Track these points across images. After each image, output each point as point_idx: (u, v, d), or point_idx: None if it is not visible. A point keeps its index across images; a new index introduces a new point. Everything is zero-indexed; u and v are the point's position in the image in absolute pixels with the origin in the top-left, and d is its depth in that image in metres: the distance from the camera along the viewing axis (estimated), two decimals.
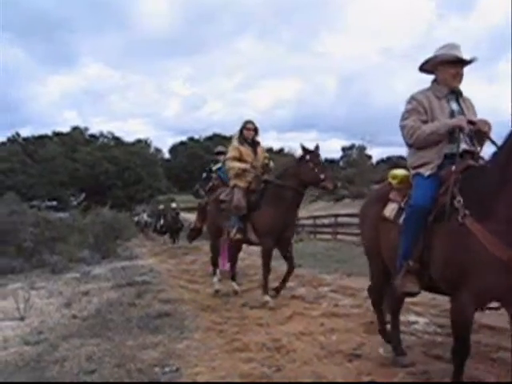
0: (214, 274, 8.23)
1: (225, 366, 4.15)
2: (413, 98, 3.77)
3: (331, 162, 77.92)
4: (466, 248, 3.11)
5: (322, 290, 7.52)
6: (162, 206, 28.14)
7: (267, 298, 6.61)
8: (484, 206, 3.12)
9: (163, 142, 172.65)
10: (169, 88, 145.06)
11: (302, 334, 5.05)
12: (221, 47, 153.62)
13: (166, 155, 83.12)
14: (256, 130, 7.37)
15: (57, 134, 72.67)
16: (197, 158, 67.27)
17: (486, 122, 3.58)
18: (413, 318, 5.50)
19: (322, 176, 6.47)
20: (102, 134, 74.53)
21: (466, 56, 3.68)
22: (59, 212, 23.75)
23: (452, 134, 3.53)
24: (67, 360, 4.46)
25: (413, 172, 3.76)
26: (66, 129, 75.15)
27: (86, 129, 76.01)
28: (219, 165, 9.54)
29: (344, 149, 79.34)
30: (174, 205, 25.73)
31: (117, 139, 72.62)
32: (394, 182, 4.00)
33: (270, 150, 70.46)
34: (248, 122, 7.36)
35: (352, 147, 71.15)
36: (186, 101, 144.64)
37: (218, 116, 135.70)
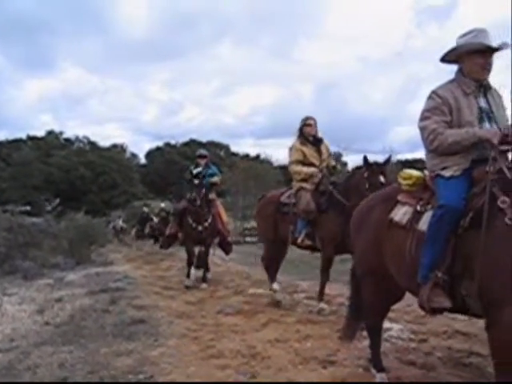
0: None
1: (199, 373, 4.13)
2: (436, 94, 3.31)
3: None
4: None
5: (297, 296, 7.54)
6: (146, 209, 27.71)
7: (323, 305, 6.35)
8: None
9: (140, 147, 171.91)
10: (146, 93, 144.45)
11: (278, 340, 5.06)
12: (199, 53, 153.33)
13: (143, 160, 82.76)
14: (316, 126, 6.87)
15: (31, 138, 71.86)
16: (173, 164, 66.95)
17: None
18: (387, 324, 5.51)
19: None
20: (77, 139, 73.92)
21: (494, 43, 3.21)
22: (33, 217, 23.38)
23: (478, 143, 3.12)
24: (39, 367, 4.39)
25: (433, 174, 3.36)
26: (41, 133, 74.46)
27: (62, 133, 75.30)
28: (200, 169, 9.33)
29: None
30: (162, 204, 25.12)
31: (92, 144, 72.04)
32: (406, 182, 3.55)
33: (246, 156, 70.77)
34: (308, 117, 6.86)
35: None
36: (164, 106, 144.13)
37: (196, 122, 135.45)
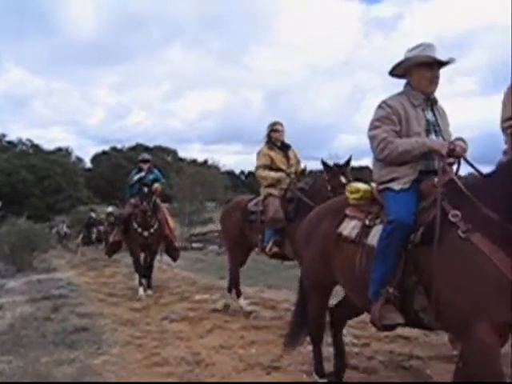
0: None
1: (143, 382, 4.09)
2: (386, 104, 3.32)
3: (254, 174, 78.68)
4: (479, 269, 2.57)
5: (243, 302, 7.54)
6: (93, 214, 26.98)
7: None
8: (488, 221, 2.64)
9: (86, 151, 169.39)
10: (93, 96, 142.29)
11: (222, 347, 5.07)
12: (148, 56, 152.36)
13: (88, 164, 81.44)
14: (284, 132, 6.72)
15: None
16: (119, 168, 66.06)
17: (464, 148, 3.14)
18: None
19: None
20: (20, 141, 72.17)
21: (442, 57, 3.28)
22: None
23: (426, 154, 3.15)
24: None
25: (381, 187, 3.34)
26: None
27: (4, 135, 73.38)
28: (142, 173, 9.17)
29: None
30: (109, 209, 24.03)
31: (36, 147, 70.47)
32: (354, 196, 3.50)
33: (194, 162, 70.52)
34: (276, 123, 6.72)
35: None
36: (111, 110, 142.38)
37: (143, 126, 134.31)
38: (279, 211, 6.18)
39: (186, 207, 32.52)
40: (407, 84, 3.42)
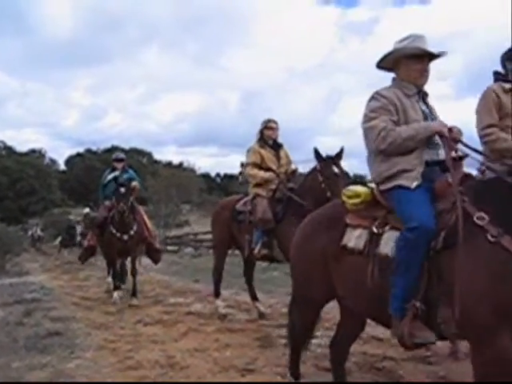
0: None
1: (117, 382, 4.07)
2: (379, 95, 3.09)
3: (230, 177, 78.67)
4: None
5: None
6: (72, 217, 26.48)
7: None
8: None
9: (60, 153, 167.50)
10: (68, 97, 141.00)
11: (196, 350, 5.05)
12: (124, 58, 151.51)
13: (62, 166, 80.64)
14: (278, 130, 6.52)
15: None
16: (94, 170, 65.50)
17: (459, 130, 2.95)
18: None
19: (329, 194, 5.40)
20: None
21: (433, 49, 3.10)
22: None
23: (429, 140, 2.96)
24: None
25: (385, 186, 3.02)
26: None
27: None
28: (116, 173, 8.87)
29: (243, 164, 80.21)
30: (86, 210, 22.56)
31: (9, 148, 69.62)
32: (353, 201, 3.14)
33: (169, 164, 70.26)
34: (270, 120, 6.50)
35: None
36: (86, 111, 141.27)
37: (119, 128, 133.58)
38: (268, 212, 6.00)
39: (161, 210, 32.51)
40: (395, 78, 3.25)
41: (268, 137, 6.44)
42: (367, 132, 3.07)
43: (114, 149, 70.52)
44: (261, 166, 6.31)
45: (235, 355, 4.84)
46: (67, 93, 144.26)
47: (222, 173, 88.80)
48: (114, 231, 8.21)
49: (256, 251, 6.11)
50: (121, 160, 9.26)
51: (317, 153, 5.69)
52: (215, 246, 7.37)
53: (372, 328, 5.55)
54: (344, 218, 3.17)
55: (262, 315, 6.57)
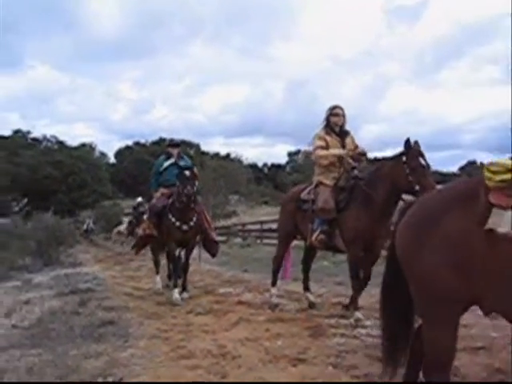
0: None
1: (170, 374, 4.11)
2: None
3: (278, 167, 78.70)
4: None
5: (267, 295, 7.54)
6: (139, 199, 24.26)
7: (358, 314, 5.61)
8: None
9: (110, 147, 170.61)
10: (117, 92, 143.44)
11: (248, 339, 5.07)
12: (170, 51, 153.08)
13: (112, 159, 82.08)
14: (345, 117, 6.33)
15: None
16: (143, 163, 66.50)
17: None
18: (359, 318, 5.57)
19: (417, 187, 5.14)
20: (45, 138, 72.86)
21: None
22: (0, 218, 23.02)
23: None
24: (6, 372, 4.31)
25: None
26: (8, 132, 73.11)
27: (29, 132, 74.14)
28: (172, 160, 8.42)
29: (290, 154, 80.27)
30: (139, 199, 21.61)
31: (61, 143, 71.09)
32: (501, 177, 2.57)
33: (216, 155, 70.72)
34: (336, 106, 6.31)
35: (298, 152, 72.08)
36: (134, 105, 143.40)
37: (166, 120, 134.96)
38: (329, 201, 5.86)
39: (209, 200, 32.71)
40: None
41: (334, 123, 6.27)
42: None
43: (162, 141, 71.56)
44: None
45: (286, 345, 4.84)
46: (116, 87, 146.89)
47: (269, 163, 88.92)
48: (174, 220, 7.67)
49: (313, 238, 5.99)
50: (176, 145, 8.82)
51: (407, 143, 5.34)
52: (279, 236, 7.28)
53: None
54: (483, 196, 2.61)
55: (312, 305, 6.54)
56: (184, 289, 7.89)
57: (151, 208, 8.45)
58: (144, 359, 4.55)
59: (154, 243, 8.81)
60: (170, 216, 7.70)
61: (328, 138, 6.16)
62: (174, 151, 8.57)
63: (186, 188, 7.34)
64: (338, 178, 6.07)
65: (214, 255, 8.84)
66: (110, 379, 4.04)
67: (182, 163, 8.32)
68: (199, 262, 11.25)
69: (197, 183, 7.67)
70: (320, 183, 6.13)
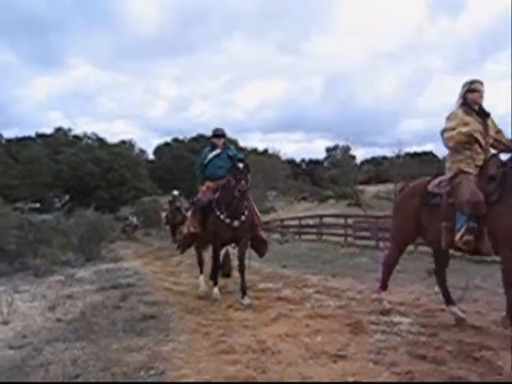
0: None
1: (210, 369, 4.14)
2: None
3: (316, 162, 78.24)
4: None
5: (306, 290, 7.52)
6: (175, 192, 23.32)
7: None
8: None
9: (149, 143, 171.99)
10: (156, 89, 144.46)
11: (287, 335, 5.06)
12: (208, 48, 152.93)
13: (151, 156, 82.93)
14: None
15: (40, 136, 72.08)
16: (181, 159, 67.07)
17: None
18: (397, 318, 5.53)
19: None
20: (85, 135, 74.10)
21: None
22: (43, 214, 23.50)
23: None
24: (52, 364, 4.41)
25: None
26: (50, 130, 74.69)
27: (70, 130, 75.49)
28: (218, 151, 7.90)
29: (328, 149, 79.82)
30: (175, 192, 20.92)
31: (101, 140, 72.18)
32: None
33: (254, 151, 70.81)
34: (475, 81, 5.26)
35: (336, 148, 71.63)
36: (173, 102, 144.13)
37: (204, 117, 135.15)
38: (477, 192, 4.74)
39: None
40: None
41: (473, 101, 5.23)
42: None
43: (200, 137, 72.00)
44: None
45: (326, 341, 4.82)
46: (154, 84, 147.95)
47: (307, 158, 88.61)
48: (222, 216, 7.09)
49: (457, 237, 4.87)
50: (222, 136, 8.10)
51: None
52: (393, 237, 6.28)
53: (467, 315, 5.40)
54: None
55: (461, 321, 5.37)
56: (244, 293, 7.01)
57: (196, 203, 7.88)
58: (185, 353, 4.59)
59: (198, 240, 8.12)
60: (218, 212, 7.14)
61: (467, 118, 5.14)
62: (220, 142, 8.00)
63: (239, 183, 6.80)
64: (483, 166, 5.04)
65: (262, 255, 8.19)
66: (152, 372, 4.09)
67: (230, 153, 7.80)
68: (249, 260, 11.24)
69: (249, 177, 7.09)
70: (460, 171, 5.07)
